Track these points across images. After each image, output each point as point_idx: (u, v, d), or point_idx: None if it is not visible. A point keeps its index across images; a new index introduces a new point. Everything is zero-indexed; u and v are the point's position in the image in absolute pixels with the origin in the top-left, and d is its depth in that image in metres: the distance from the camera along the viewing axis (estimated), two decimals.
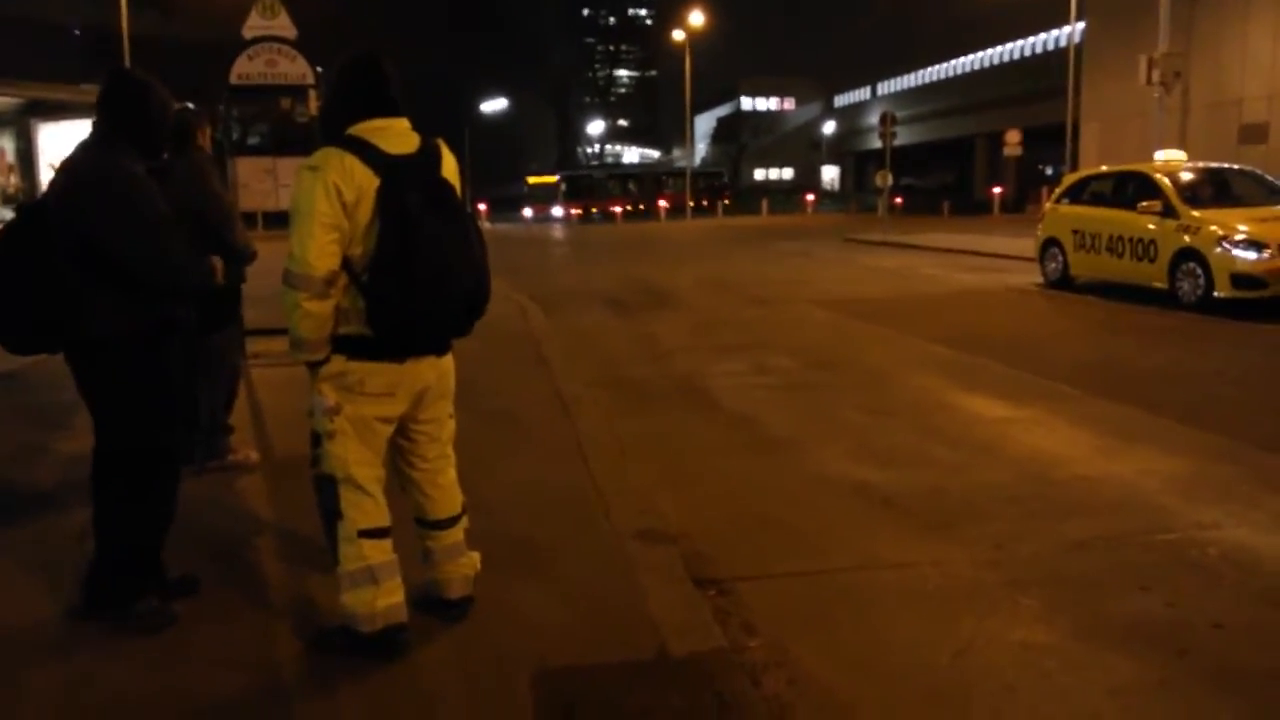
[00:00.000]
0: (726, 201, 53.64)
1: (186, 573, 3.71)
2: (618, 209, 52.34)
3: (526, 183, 60.51)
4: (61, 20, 37.97)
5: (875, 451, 5.81)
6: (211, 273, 3.64)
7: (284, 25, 11.55)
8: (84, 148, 3.48)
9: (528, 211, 55.56)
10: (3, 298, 3.32)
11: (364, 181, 2.98)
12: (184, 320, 3.56)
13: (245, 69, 11.04)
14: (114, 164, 3.36)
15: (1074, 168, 30.52)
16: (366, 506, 3.13)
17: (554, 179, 58.05)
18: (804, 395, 7.51)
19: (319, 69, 11.64)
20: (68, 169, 3.44)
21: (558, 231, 40.50)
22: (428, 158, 3.15)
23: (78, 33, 39.00)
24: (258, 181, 10.28)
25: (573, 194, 55.11)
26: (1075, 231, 13.37)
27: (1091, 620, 3.56)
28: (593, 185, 58.34)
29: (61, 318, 3.32)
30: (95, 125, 3.49)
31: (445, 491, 3.39)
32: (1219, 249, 10.94)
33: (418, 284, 2.97)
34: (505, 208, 57.47)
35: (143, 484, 3.46)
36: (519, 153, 75.93)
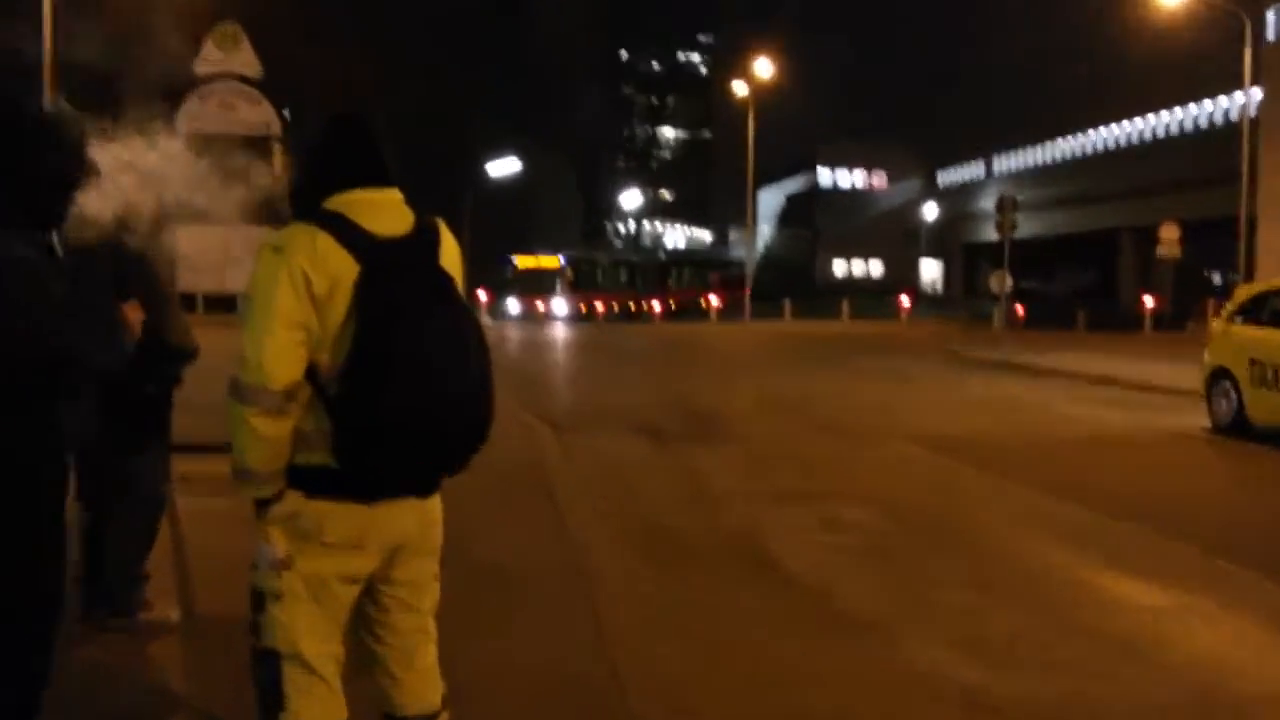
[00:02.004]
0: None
1: None
2: (601, 305, 50.94)
3: (514, 265, 53.90)
4: None
5: (983, 643, 5.75)
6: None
7: (246, 62, 11.52)
8: None
9: (514, 305, 51.34)
10: None
11: (340, 269, 2.99)
12: (75, 437, 3.43)
13: (195, 112, 11.16)
14: None
15: (1249, 275, 30.68)
16: (318, 693, 3.11)
17: (556, 261, 54.04)
18: (890, 562, 7.48)
19: (286, 114, 11.81)
20: None
21: (565, 332, 40.80)
22: (424, 241, 3.17)
23: None
24: (203, 256, 10.48)
25: (577, 283, 53.08)
26: (1253, 361, 13.31)
27: None
28: (592, 273, 56.27)
29: None
30: None
31: (422, 676, 3.36)
32: None
33: (400, 403, 2.97)
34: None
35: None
36: (533, 226, 76.67)
